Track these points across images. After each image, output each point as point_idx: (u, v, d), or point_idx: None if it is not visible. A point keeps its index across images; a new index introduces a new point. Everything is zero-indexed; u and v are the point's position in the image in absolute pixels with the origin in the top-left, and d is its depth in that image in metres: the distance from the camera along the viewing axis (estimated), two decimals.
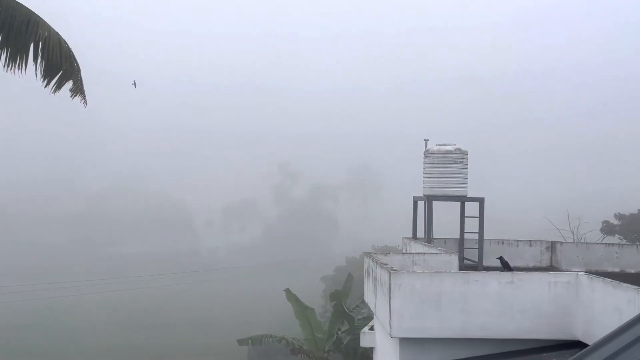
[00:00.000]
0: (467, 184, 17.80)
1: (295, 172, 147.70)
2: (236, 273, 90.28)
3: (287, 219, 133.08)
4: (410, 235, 18.78)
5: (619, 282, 8.80)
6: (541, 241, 18.70)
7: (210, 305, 71.57)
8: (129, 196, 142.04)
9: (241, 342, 25.76)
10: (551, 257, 18.16)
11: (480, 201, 17.19)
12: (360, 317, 25.39)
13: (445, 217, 20.00)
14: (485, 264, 16.31)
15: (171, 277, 79.77)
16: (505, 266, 13.43)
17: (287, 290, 25.14)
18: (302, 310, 24.54)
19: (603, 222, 40.90)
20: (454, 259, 12.76)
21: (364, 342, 14.24)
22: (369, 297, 13.17)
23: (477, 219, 17.16)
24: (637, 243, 24.57)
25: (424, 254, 13.46)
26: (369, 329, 14.66)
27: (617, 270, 16.82)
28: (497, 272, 10.60)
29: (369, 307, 14.66)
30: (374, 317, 13.32)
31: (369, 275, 12.91)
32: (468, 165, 17.91)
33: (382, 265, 11.05)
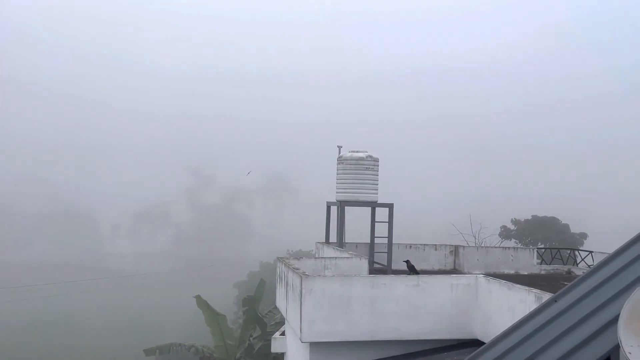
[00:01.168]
0: (377, 190, 18.34)
1: (209, 176, 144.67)
2: (145, 280, 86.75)
3: (199, 224, 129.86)
4: (323, 240, 19.00)
5: (512, 283, 9.44)
6: (445, 245, 19.67)
7: (118, 314, 68.21)
8: (31, 198, 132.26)
9: (148, 351, 24.76)
10: (455, 260, 19.14)
11: (390, 207, 17.75)
12: (273, 322, 25.28)
13: (357, 222, 20.44)
14: (394, 267, 16.82)
15: (75, 284, 75.13)
16: (412, 270, 13.95)
17: (198, 297, 24.49)
18: (213, 317, 24.01)
19: (501, 227, 43.81)
20: (364, 263, 13.06)
21: (275, 347, 14.20)
22: (280, 302, 13.14)
23: (387, 223, 17.69)
24: (531, 247, 26.53)
25: (336, 258, 13.65)
26: (280, 335, 14.64)
27: (512, 272, 18.08)
28: (404, 276, 10.97)
29: (281, 313, 14.64)
30: (286, 322, 13.31)
31: (281, 280, 12.89)
32: (379, 172, 18.49)
33: (294, 270, 11.07)
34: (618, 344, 3.13)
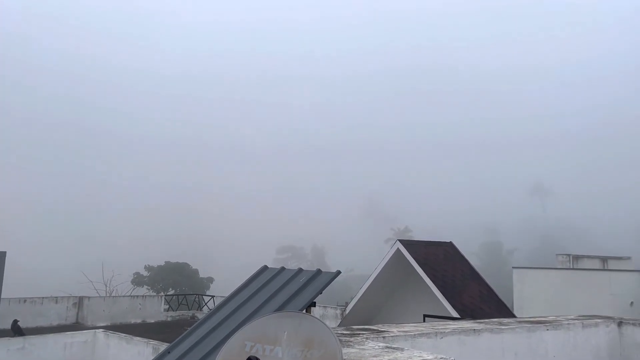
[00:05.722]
0: None
1: None
2: None
3: None
4: None
5: (132, 336, 9.17)
6: (68, 297, 18.03)
7: None
8: None
9: None
10: (78, 313, 17.68)
11: (2, 255, 15.28)
12: None
13: None
14: (4, 326, 14.41)
15: None
16: (17, 331, 12.14)
17: None
18: None
19: (134, 274, 43.13)
20: None
21: None
22: None
23: None
24: (161, 293, 26.87)
25: None
26: None
27: (139, 321, 17.80)
28: (7, 338, 9.36)
29: None
30: None
31: None
32: None
33: None
34: None
